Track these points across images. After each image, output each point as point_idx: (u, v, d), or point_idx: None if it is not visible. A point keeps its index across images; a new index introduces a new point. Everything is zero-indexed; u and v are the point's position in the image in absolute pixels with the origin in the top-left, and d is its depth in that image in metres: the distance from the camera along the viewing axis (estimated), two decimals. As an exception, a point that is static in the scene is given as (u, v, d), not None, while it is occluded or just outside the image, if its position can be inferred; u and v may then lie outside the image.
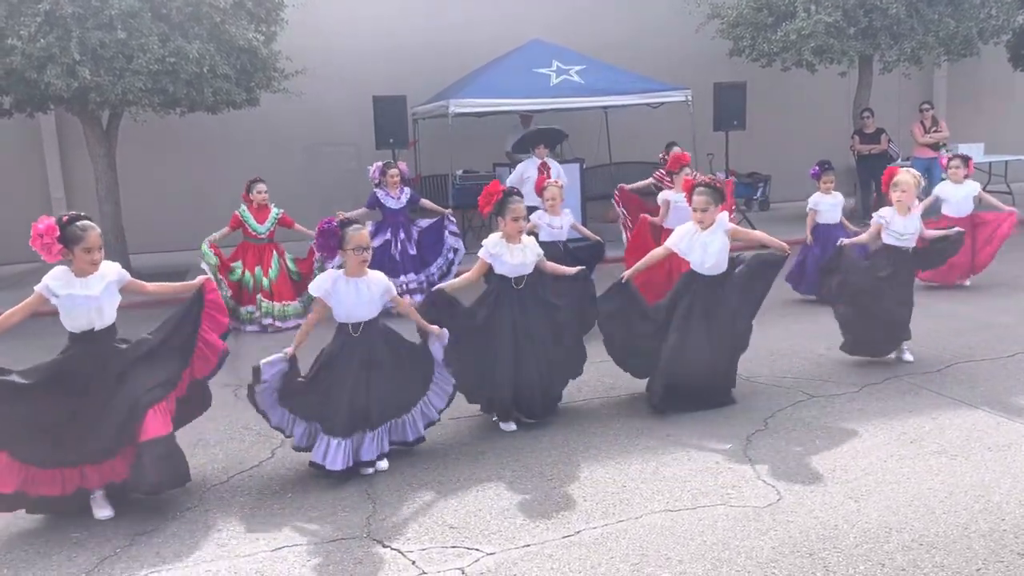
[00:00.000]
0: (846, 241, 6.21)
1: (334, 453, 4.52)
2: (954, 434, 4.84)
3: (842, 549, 3.62)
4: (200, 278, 4.71)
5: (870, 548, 3.62)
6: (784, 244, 5.50)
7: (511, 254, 5.09)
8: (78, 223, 4.15)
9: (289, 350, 4.59)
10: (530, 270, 5.17)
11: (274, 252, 8.35)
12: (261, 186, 8.32)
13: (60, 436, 4.15)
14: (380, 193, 8.59)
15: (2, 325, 4.15)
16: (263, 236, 8.31)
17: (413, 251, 8.65)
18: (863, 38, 11.95)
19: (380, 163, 8.80)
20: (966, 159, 8.70)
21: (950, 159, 8.73)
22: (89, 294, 4.16)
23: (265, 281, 8.23)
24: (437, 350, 4.89)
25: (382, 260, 8.45)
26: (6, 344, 7.92)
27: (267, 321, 8.18)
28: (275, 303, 8.23)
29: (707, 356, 5.31)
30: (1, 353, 7.24)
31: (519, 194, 5.23)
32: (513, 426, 5.22)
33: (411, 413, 4.87)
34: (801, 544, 3.68)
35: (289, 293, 8.33)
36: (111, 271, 4.29)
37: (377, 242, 8.42)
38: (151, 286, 4.65)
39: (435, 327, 4.88)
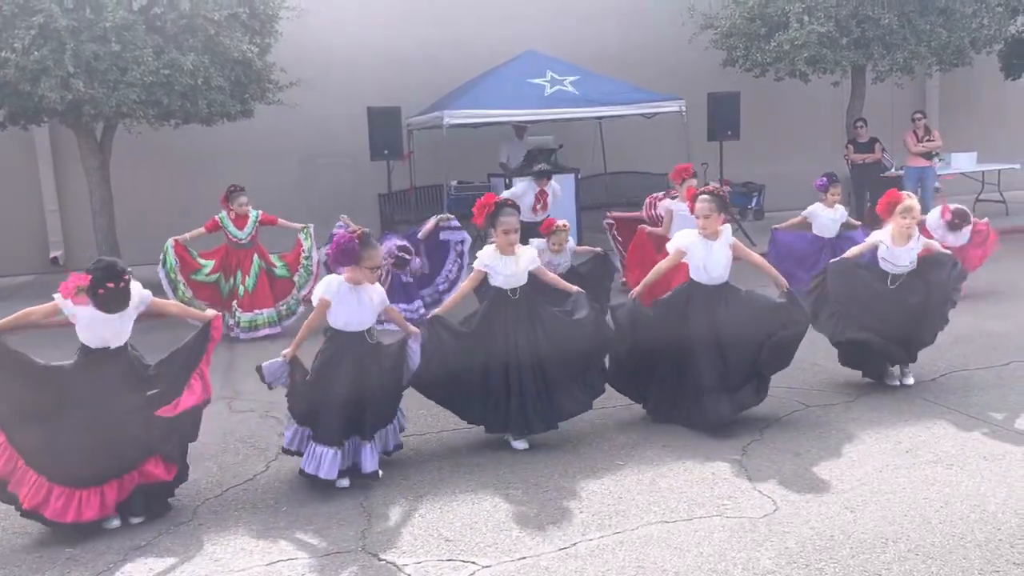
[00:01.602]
0: (832, 263, 5.90)
1: (329, 463, 4.51)
2: (949, 444, 4.84)
3: (838, 560, 3.62)
4: (210, 312, 4.71)
5: (866, 558, 3.62)
6: (783, 280, 5.42)
7: (505, 265, 5.08)
8: (108, 285, 4.07)
9: (287, 352, 4.61)
10: (524, 279, 5.14)
11: (255, 257, 8.27)
12: (243, 199, 8.19)
13: (78, 448, 4.16)
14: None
15: (20, 322, 4.21)
16: (244, 241, 8.25)
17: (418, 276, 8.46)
18: (856, 48, 12.02)
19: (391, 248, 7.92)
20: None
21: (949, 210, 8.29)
22: (109, 317, 4.17)
23: (241, 289, 8.17)
24: (415, 351, 4.87)
25: (394, 287, 8.08)
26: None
27: (234, 333, 8.11)
28: (246, 314, 8.17)
29: (714, 368, 5.23)
30: None
31: (512, 205, 5.20)
32: (524, 444, 5.07)
33: (393, 422, 4.88)
34: (798, 555, 3.67)
35: (266, 300, 8.26)
36: (134, 295, 4.27)
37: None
38: (173, 308, 4.66)
39: (413, 328, 4.96)
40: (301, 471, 4.57)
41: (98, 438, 4.16)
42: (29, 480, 4.13)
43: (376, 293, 4.71)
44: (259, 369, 4.63)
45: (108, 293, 4.06)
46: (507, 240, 5.08)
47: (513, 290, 5.10)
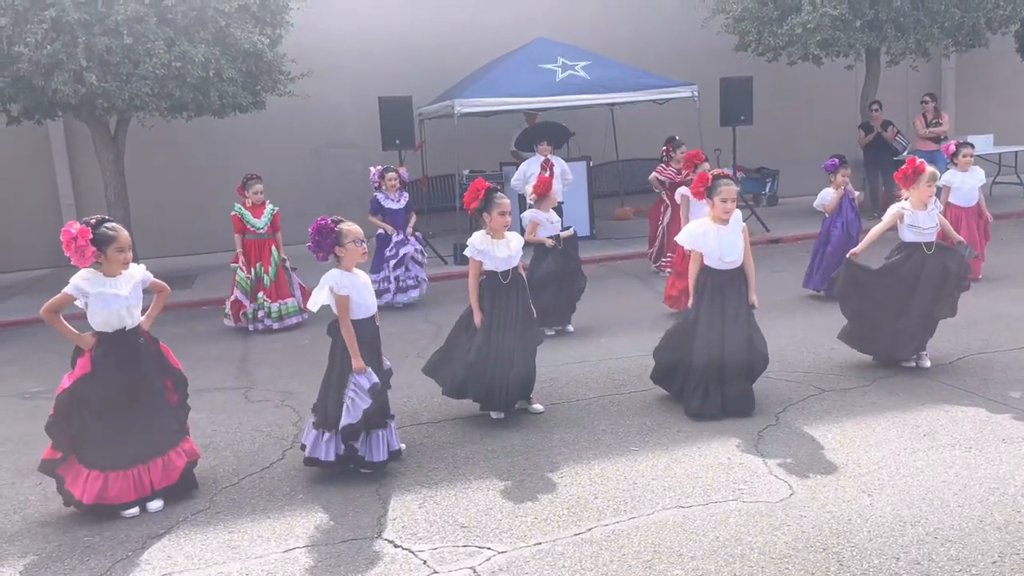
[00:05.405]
0: (857, 250, 5.95)
1: (375, 445, 4.59)
2: (968, 426, 4.80)
3: (856, 543, 3.60)
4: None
5: (884, 542, 3.59)
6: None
7: (498, 248, 5.21)
8: (106, 224, 4.24)
9: (359, 365, 4.49)
10: (517, 261, 5.30)
11: (272, 248, 8.30)
12: (258, 186, 8.27)
13: (126, 433, 4.29)
14: (380, 196, 8.77)
15: (57, 320, 4.29)
16: (261, 230, 8.28)
17: (419, 246, 8.98)
18: (869, 30, 11.89)
19: (380, 167, 8.94)
20: (971, 146, 8.57)
21: (959, 145, 8.49)
22: (119, 293, 4.25)
23: (266, 279, 8.22)
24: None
25: (403, 260, 8.82)
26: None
27: (266, 324, 8.21)
28: (274, 303, 8.25)
29: (734, 348, 5.24)
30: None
31: (502, 190, 5.39)
32: (502, 413, 5.33)
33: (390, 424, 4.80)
34: (814, 539, 3.66)
35: (287, 290, 8.37)
36: (138, 272, 4.41)
37: (395, 248, 8.76)
38: (161, 296, 4.71)
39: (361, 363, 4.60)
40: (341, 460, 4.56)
41: (137, 418, 4.30)
42: (81, 476, 4.26)
43: (366, 276, 4.73)
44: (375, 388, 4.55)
45: (100, 222, 4.22)
46: (503, 221, 5.21)
47: (504, 273, 5.25)
